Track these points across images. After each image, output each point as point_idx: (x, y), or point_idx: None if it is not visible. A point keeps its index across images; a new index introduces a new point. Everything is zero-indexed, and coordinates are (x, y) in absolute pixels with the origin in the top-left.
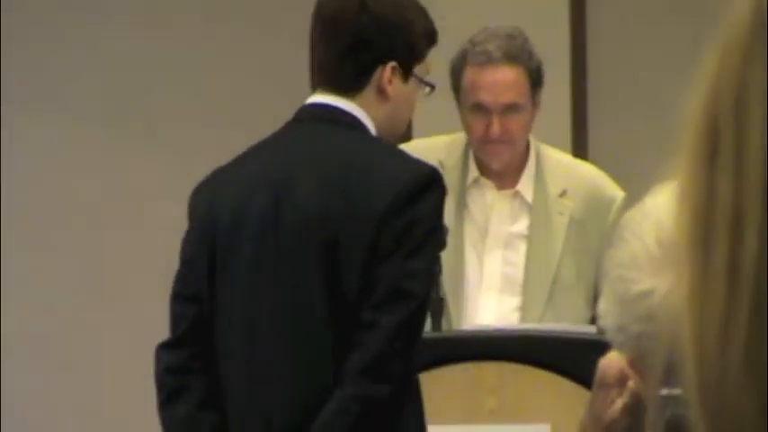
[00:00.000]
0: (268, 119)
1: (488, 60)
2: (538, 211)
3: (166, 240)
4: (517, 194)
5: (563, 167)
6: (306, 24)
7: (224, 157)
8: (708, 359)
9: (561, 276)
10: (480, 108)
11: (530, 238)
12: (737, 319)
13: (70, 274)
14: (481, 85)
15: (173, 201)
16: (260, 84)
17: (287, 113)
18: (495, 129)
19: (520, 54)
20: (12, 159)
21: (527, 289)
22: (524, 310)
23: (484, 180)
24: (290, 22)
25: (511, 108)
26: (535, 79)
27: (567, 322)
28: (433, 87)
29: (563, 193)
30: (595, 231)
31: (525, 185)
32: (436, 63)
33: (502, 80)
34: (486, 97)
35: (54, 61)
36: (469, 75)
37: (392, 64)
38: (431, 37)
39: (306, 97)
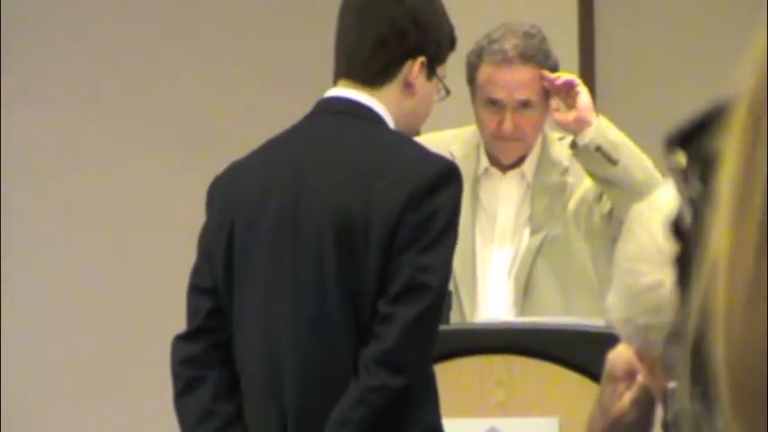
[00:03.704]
0: (276, 114)
1: (504, 60)
2: (539, 195)
3: (170, 236)
4: (524, 176)
5: (565, 146)
6: (320, 18)
7: (229, 155)
8: (735, 329)
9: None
10: (494, 103)
11: (533, 225)
12: (763, 289)
13: (75, 272)
14: (496, 82)
15: (175, 198)
16: (267, 79)
17: (296, 108)
18: (508, 125)
19: (536, 54)
20: (12, 158)
21: (536, 275)
22: (535, 297)
23: (493, 169)
24: (301, 16)
25: (524, 105)
26: None
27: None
28: (448, 92)
29: (564, 172)
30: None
31: (529, 166)
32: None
33: (517, 80)
34: (500, 94)
35: (56, 59)
36: (485, 71)
37: (421, 59)
38: (453, 41)
39: (318, 91)
